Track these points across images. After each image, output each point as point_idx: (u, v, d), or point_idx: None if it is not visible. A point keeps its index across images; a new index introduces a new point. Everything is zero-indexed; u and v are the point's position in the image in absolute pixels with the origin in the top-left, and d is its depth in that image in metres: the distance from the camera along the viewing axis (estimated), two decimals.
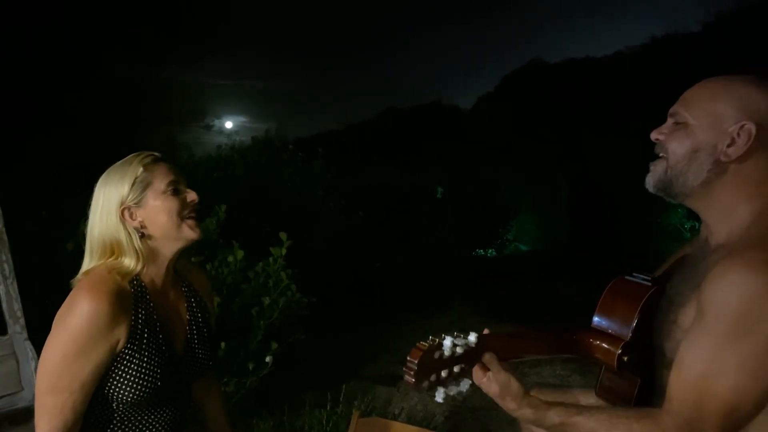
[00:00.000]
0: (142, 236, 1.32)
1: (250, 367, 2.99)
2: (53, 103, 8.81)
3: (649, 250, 8.77)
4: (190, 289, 1.49)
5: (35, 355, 2.65)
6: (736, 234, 1.15)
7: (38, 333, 2.76)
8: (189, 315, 1.45)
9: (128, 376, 1.26)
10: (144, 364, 1.27)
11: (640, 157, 1.30)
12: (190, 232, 1.35)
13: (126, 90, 10.70)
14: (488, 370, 1.16)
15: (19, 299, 2.67)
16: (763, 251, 1.05)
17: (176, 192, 1.35)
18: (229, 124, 16.24)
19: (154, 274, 1.36)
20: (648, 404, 1.26)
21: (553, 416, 1.16)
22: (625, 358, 1.26)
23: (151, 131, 10.88)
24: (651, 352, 1.27)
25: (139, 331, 1.27)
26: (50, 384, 1.20)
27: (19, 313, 2.68)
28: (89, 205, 1.35)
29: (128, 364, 1.26)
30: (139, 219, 1.32)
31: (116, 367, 1.25)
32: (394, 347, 4.75)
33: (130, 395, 1.27)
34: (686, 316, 1.15)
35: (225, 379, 2.94)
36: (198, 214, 1.39)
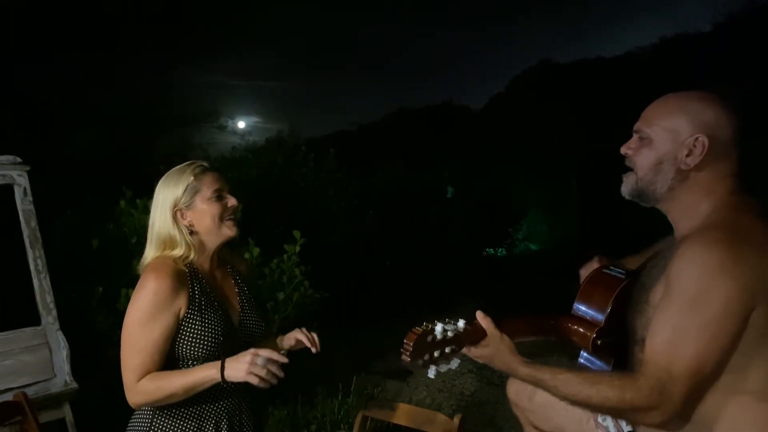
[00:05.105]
0: (191, 233, 1.66)
1: None
2: (71, 105, 9.00)
3: None
4: (234, 270, 1.82)
5: (66, 344, 2.81)
6: (698, 224, 1.31)
7: (68, 324, 2.93)
8: (237, 289, 1.78)
9: (193, 335, 1.58)
10: (206, 324, 1.59)
11: None
12: (228, 231, 1.69)
13: (140, 91, 10.85)
14: (478, 347, 1.33)
15: (51, 292, 2.85)
16: (718, 231, 1.22)
17: (219, 198, 1.68)
18: (242, 125, 16.35)
19: (203, 260, 1.70)
20: None
21: (545, 373, 1.32)
22: (599, 342, 1.41)
23: (166, 132, 11.05)
24: (624, 336, 1.41)
25: (197, 300, 1.60)
26: (130, 346, 1.53)
27: (52, 305, 2.85)
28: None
29: (191, 326, 1.58)
30: (189, 219, 1.65)
31: (182, 328, 1.57)
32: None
33: (198, 351, 1.58)
34: (656, 294, 1.30)
35: None
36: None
